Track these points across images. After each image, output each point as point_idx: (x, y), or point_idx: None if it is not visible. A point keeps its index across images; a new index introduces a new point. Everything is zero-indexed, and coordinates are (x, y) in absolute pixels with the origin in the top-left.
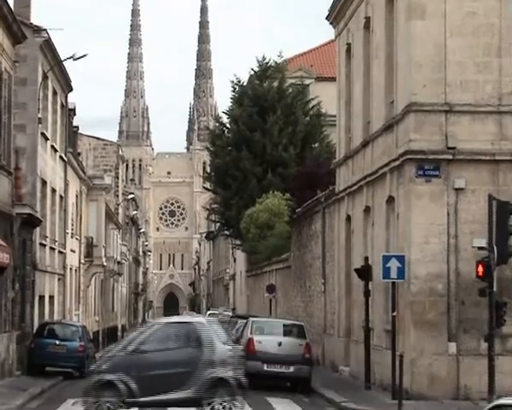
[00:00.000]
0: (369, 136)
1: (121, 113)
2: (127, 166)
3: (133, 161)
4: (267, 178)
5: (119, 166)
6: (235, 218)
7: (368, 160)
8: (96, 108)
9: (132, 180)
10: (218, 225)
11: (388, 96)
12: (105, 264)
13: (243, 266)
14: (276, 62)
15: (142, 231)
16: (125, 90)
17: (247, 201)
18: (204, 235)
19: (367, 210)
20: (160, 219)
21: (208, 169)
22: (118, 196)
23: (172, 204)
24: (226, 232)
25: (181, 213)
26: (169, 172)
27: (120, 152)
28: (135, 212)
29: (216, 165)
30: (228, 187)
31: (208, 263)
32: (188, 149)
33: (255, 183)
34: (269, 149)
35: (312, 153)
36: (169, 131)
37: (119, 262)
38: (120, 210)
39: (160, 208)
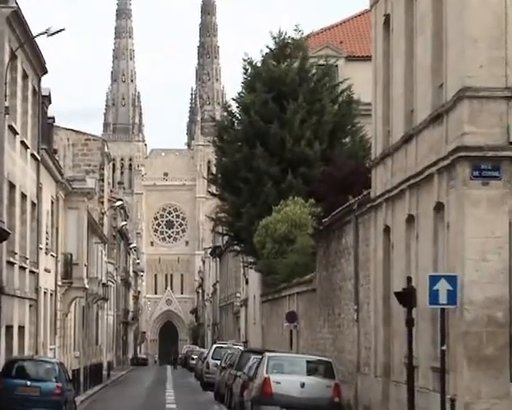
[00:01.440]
0: (413, 128)
1: (107, 101)
2: (114, 166)
3: (122, 159)
4: (286, 181)
5: (104, 166)
6: (246, 230)
7: (411, 158)
8: (76, 95)
9: (121, 183)
10: (226, 238)
11: (436, 79)
12: (87, 287)
13: (257, 289)
14: (292, 39)
15: (132, 246)
16: (112, 73)
17: (261, 209)
18: (209, 251)
19: (410, 220)
20: (155, 231)
21: (214, 170)
22: (103, 202)
23: (170, 213)
24: (236, 248)
25: (180, 224)
26: (166, 174)
27: (106, 149)
28: (124, 223)
29: (223, 164)
30: (238, 192)
31: (214, 285)
32: (189, 144)
33: (271, 186)
34: (288, 145)
35: (342, 149)
36: (166, 122)
37: (104, 284)
38: (106, 220)
39: (155, 218)
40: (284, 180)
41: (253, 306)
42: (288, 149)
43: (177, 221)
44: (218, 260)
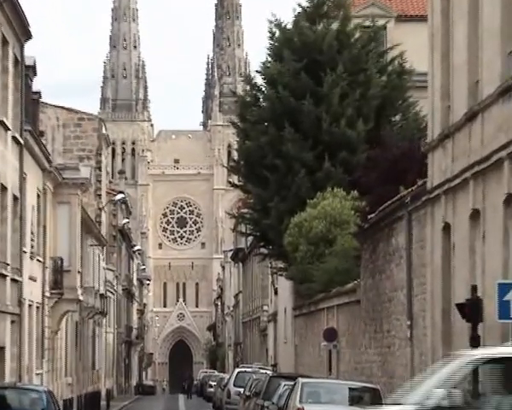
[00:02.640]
0: (478, 104)
1: (104, 72)
2: (114, 151)
3: (123, 143)
4: (323, 169)
5: (101, 151)
6: (275, 229)
7: (476, 140)
8: (67, 65)
9: (122, 173)
10: (250, 239)
11: (507, 43)
12: (81, 298)
13: (289, 300)
14: None
15: (136, 249)
16: (111, 38)
17: (293, 203)
18: (230, 255)
19: (475, 216)
20: (164, 230)
21: (235, 155)
22: (100, 196)
23: (182, 208)
24: (263, 251)
25: (195, 222)
26: (177, 161)
27: (104, 130)
28: (126, 220)
29: (247, 149)
30: (265, 183)
31: (236, 297)
32: (205, 125)
33: (305, 176)
34: (325, 125)
35: (392, 129)
36: (176, 98)
37: (102, 296)
38: (104, 218)
39: (164, 215)
40: (320, 168)
41: (283, 321)
42: (324, 129)
43: (190, 218)
44: (240, 265)
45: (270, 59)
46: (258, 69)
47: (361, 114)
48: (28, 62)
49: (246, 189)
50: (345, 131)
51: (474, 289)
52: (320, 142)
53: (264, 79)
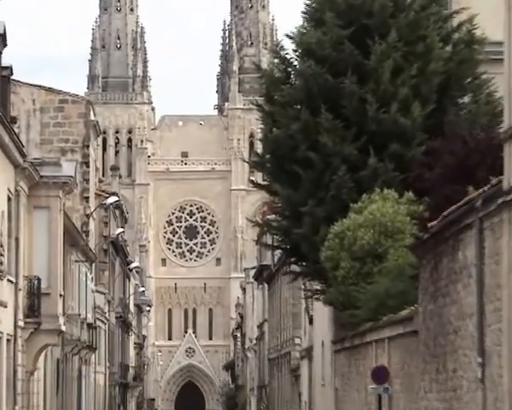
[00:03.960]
0: None
1: (93, 41)
2: (105, 142)
3: (116, 132)
4: (369, 165)
5: (89, 142)
6: (310, 240)
7: None
8: (46, 35)
9: (115, 169)
10: (278, 253)
11: None
12: (64, 329)
13: (327, 331)
14: None
15: (134, 266)
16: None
17: (332, 207)
18: (252, 273)
19: None
20: (169, 243)
21: (259, 147)
22: (88, 199)
23: (192, 214)
24: (294, 268)
25: (208, 232)
26: (185, 154)
27: (92, 116)
28: (120, 230)
29: (274, 139)
30: (296, 182)
31: (260, 327)
32: (220, 108)
33: (346, 173)
34: (372, 110)
35: (458, 114)
36: (184, 75)
37: (90, 326)
38: (93, 227)
39: (169, 223)
40: (366, 164)
41: (320, 358)
42: (371, 115)
43: (202, 227)
44: (265, 287)
45: (305, 24)
46: (290, 35)
47: (418, 94)
48: None
49: (272, 189)
50: (397, 117)
51: None
52: (365, 131)
53: (296, 49)
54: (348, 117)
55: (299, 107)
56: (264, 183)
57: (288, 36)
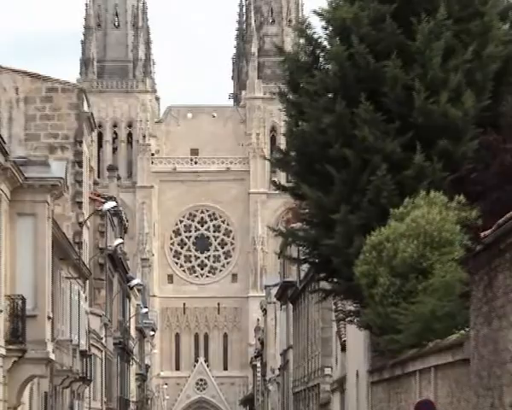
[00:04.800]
0: None
1: (86, 19)
2: (101, 137)
3: (114, 126)
4: (414, 164)
5: (82, 137)
6: (342, 253)
7: None
8: (32, 10)
9: (113, 169)
10: (305, 269)
11: None
12: (53, 358)
13: (363, 360)
14: None
15: (135, 283)
16: None
17: (369, 214)
18: (274, 292)
19: None
20: (177, 256)
21: (283, 144)
22: (81, 205)
23: (203, 222)
24: (324, 285)
25: (222, 244)
26: (195, 152)
27: (85, 107)
28: (119, 241)
29: (301, 134)
30: (327, 184)
31: (284, 355)
32: (236, 98)
33: (387, 174)
34: (419, 100)
35: None
36: (194, 59)
37: (84, 354)
38: (87, 237)
39: (177, 233)
40: (410, 163)
41: (354, 391)
42: (417, 106)
43: (215, 237)
44: (290, 308)
45: None
46: (320, 11)
47: (472, 82)
48: None
49: (298, 193)
50: (446, 108)
51: None
52: (410, 124)
53: (326, 27)
54: (390, 108)
55: (331, 96)
56: (289, 185)
57: (316, 12)
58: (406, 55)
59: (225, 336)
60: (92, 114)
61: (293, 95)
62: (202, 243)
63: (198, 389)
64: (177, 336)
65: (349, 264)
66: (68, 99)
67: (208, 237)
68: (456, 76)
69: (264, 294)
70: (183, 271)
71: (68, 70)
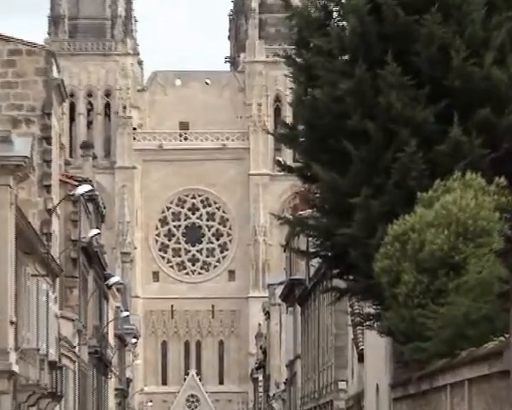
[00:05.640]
0: None
1: None
2: (74, 108)
3: (89, 95)
4: (449, 139)
5: (51, 109)
6: (361, 244)
7: None
8: None
9: (88, 147)
10: (315, 264)
11: None
12: (16, 370)
13: (384, 372)
14: None
15: (114, 281)
16: None
17: (394, 198)
18: (278, 292)
19: None
20: (164, 249)
21: (289, 116)
22: (49, 188)
23: (195, 209)
24: (338, 283)
25: (217, 234)
26: (185, 125)
27: (55, 73)
28: (96, 232)
29: (311, 104)
30: (342, 162)
31: (291, 366)
32: (234, 61)
33: (417, 150)
34: (457, 60)
35: None
36: (184, 15)
37: (54, 365)
38: (57, 227)
39: (164, 221)
40: (444, 136)
41: (374, 408)
42: (455, 66)
43: (209, 227)
44: (298, 310)
45: None
46: None
47: None
48: None
49: (308, 174)
50: (491, 70)
51: None
52: (445, 90)
53: None
54: (421, 70)
55: (348, 58)
56: (297, 164)
57: None
58: (444, 7)
59: (221, 343)
60: (63, 81)
61: (301, 57)
62: (194, 234)
63: (189, 407)
64: (164, 344)
65: (369, 258)
66: (35, 63)
67: (201, 227)
68: (500, 34)
69: (266, 294)
70: (171, 267)
71: (35, 29)
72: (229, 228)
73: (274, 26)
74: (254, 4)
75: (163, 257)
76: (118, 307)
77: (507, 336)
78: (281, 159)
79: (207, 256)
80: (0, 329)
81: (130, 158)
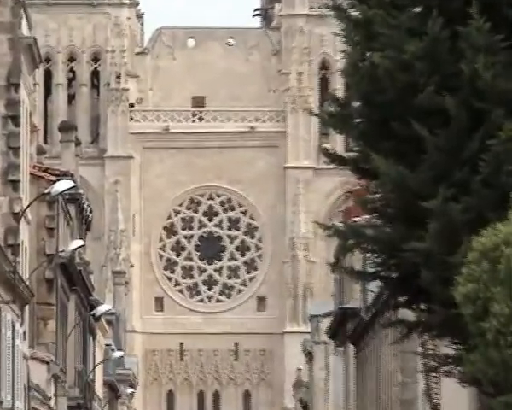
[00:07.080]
0: None
1: None
2: (50, 76)
3: (71, 59)
4: None
5: (20, 77)
6: (437, 262)
7: None
8: None
9: (69, 129)
10: (374, 289)
11: None
12: None
13: None
14: None
15: (104, 311)
16: None
17: (482, 201)
18: (325, 326)
19: None
20: (169, 267)
21: (340, 89)
22: (17, 185)
23: (213, 214)
24: (406, 314)
25: (243, 248)
26: (199, 101)
27: (26, 30)
28: (79, 243)
29: (370, 74)
30: (410, 153)
31: None
32: (265, 15)
33: None
34: None
35: None
36: None
37: None
38: (27, 237)
39: (170, 230)
40: None
41: None
42: None
43: (232, 238)
44: (351, 350)
45: None
46: None
47: None
48: None
49: (366, 167)
50: None
51: None
52: None
53: None
54: None
55: (418, 11)
56: (351, 154)
57: None
58: None
59: (247, 395)
60: (36, 40)
61: (357, 9)
62: (210, 248)
63: None
64: (171, 395)
65: (448, 281)
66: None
67: (220, 238)
68: None
69: (308, 329)
70: (180, 291)
71: None
72: (259, 240)
73: None
74: None
75: (169, 278)
76: (108, 346)
77: None
78: (329, 146)
79: (229, 277)
80: None
81: (125, 145)
